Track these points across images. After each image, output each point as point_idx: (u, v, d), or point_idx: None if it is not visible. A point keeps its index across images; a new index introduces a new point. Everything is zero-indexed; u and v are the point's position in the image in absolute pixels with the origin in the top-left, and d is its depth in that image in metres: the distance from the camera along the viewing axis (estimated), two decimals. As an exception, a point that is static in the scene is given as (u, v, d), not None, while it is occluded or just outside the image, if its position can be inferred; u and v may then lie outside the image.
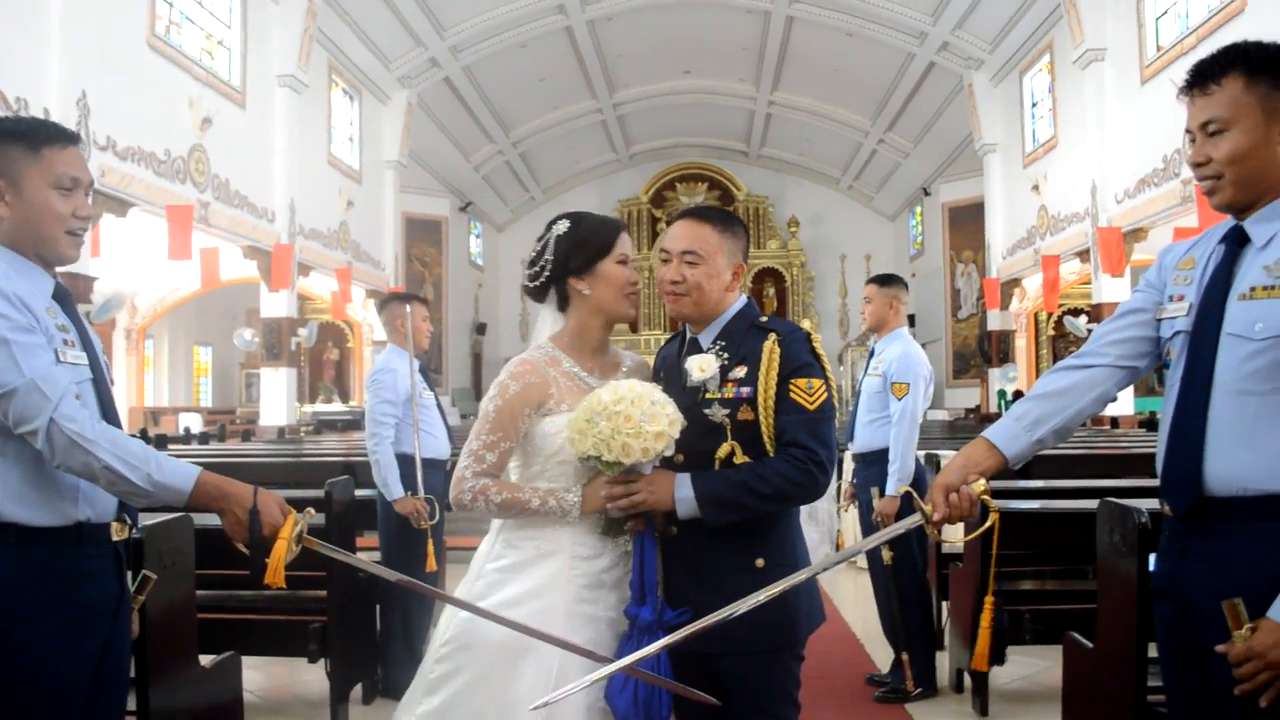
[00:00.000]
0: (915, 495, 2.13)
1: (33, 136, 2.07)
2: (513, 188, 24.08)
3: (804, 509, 2.45)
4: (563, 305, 2.41)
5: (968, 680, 4.57)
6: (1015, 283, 17.14)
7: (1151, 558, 2.22)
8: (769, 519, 2.27)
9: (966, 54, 16.71)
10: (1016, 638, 4.22)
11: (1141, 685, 2.86)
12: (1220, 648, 1.77)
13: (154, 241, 11.32)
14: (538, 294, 2.43)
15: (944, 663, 4.87)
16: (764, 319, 2.35)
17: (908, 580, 4.66)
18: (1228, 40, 1.97)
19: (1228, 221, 1.99)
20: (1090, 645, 3.23)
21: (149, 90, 10.84)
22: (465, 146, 20.82)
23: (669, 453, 2.20)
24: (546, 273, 2.37)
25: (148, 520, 2.73)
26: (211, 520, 2.11)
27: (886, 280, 4.91)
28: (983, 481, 2.02)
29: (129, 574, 2.26)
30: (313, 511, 2.15)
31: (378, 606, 4.80)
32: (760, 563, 2.24)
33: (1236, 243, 1.94)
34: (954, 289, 20.87)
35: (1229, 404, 1.86)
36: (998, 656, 4.11)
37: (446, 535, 5.10)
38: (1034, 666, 4.93)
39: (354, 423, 16.01)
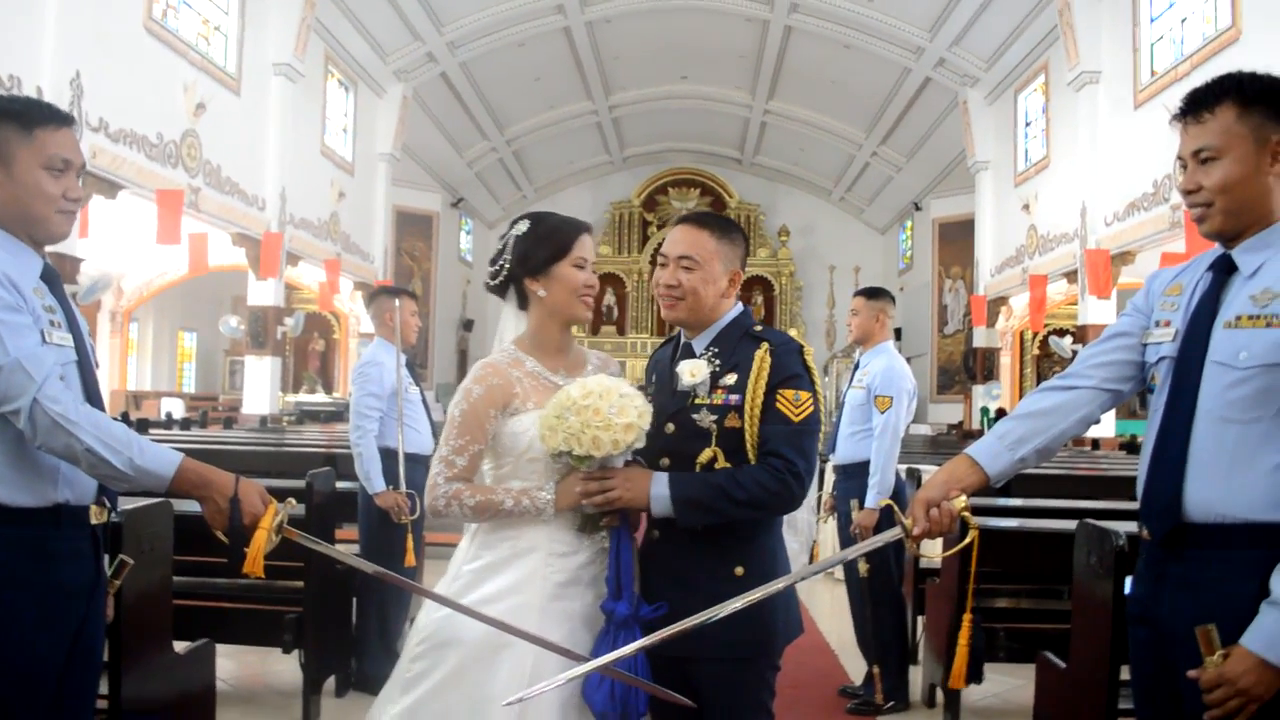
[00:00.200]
0: (896, 509, 2.14)
1: (26, 116, 2.06)
2: (505, 186, 24.06)
3: (784, 519, 2.45)
4: (522, 304, 2.42)
5: (940, 695, 4.59)
6: (1002, 301, 17.20)
7: (1128, 581, 2.23)
8: (750, 528, 2.28)
9: (962, 71, 16.78)
10: (990, 655, 4.23)
11: (1113, 707, 2.87)
12: (1192, 673, 1.78)
13: (143, 225, 11.26)
14: (498, 291, 2.45)
15: (917, 677, 4.88)
16: (758, 328, 2.36)
17: (883, 593, 4.67)
18: (1221, 68, 1.99)
19: (1216, 249, 2.01)
20: (1063, 665, 3.24)
21: (144, 73, 10.79)
22: (459, 142, 20.79)
23: (640, 444, 2.21)
24: (505, 272, 2.40)
25: (127, 504, 2.72)
26: (191, 507, 2.10)
27: (874, 293, 4.93)
28: (964, 498, 2.02)
29: (106, 558, 2.25)
30: (294, 502, 2.14)
31: (355, 600, 4.78)
32: (740, 571, 2.24)
33: (1224, 271, 1.95)
34: (941, 304, 20.95)
35: (1211, 431, 1.87)
36: (975, 675, 4.12)
37: (426, 531, 5.09)
38: (1006, 684, 4.95)
39: (337, 414, 15.95)
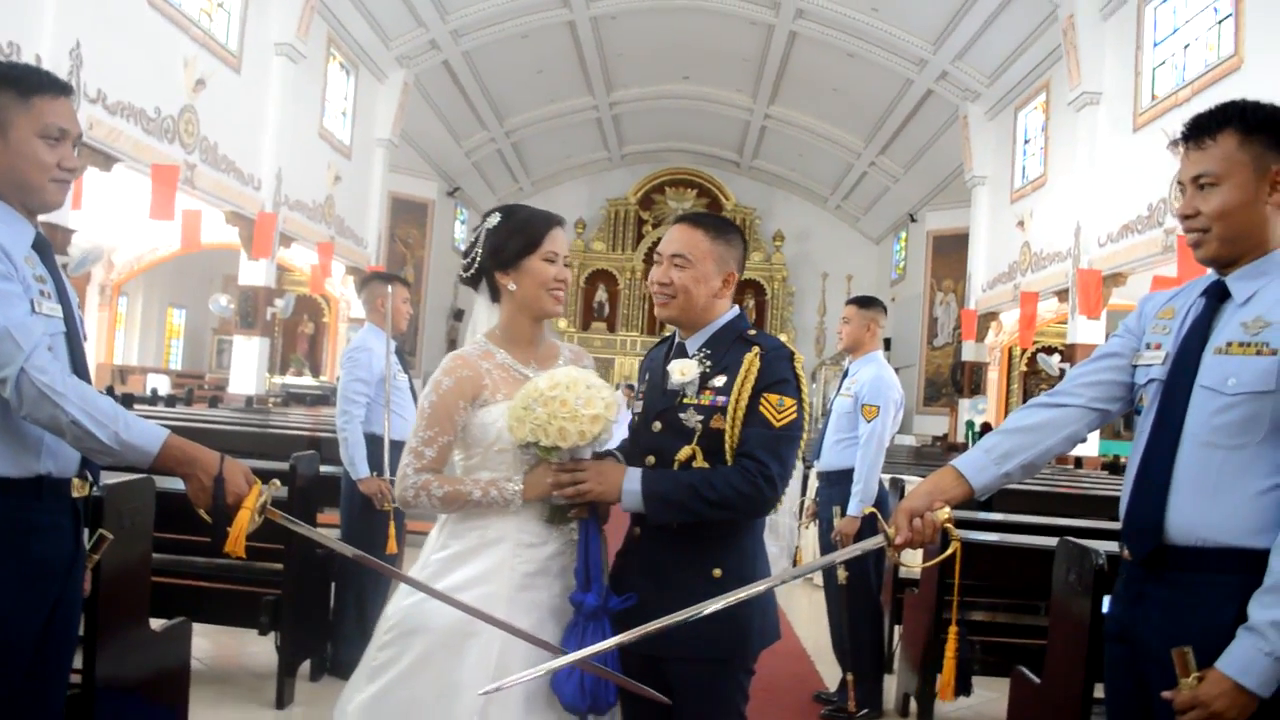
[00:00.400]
0: (880, 517, 2.15)
1: (24, 84, 2.04)
2: (502, 177, 24.03)
3: (766, 524, 2.46)
4: (494, 297, 2.43)
5: (914, 705, 4.60)
6: (992, 316, 17.25)
7: (1106, 600, 2.24)
8: (730, 530, 2.29)
9: (964, 85, 16.82)
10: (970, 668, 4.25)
11: (1085, 724, 2.88)
12: (1166, 694, 1.79)
13: (136, 199, 11.21)
14: (471, 283, 2.46)
15: (891, 686, 4.89)
16: (752, 332, 2.36)
17: (861, 601, 4.68)
18: (1222, 95, 2.00)
19: (1210, 275, 2.02)
20: (1038, 681, 3.25)
21: (144, 46, 10.73)
22: (458, 131, 20.75)
23: (607, 436, 2.23)
24: (476, 264, 2.40)
25: (110, 479, 2.70)
26: (174, 484, 2.09)
27: (866, 302, 4.94)
28: (947, 509, 2.03)
29: (86, 532, 2.24)
30: (278, 483, 2.14)
31: (333, 584, 4.78)
32: (718, 572, 2.25)
33: (1217, 297, 1.97)
34: (932, 317, 20.99)
35: (1196, 455, 1.89)
36: (964, 687, 4.14)
37: (408, 519, 5.08)
38: (980, 697, 4.94)
39: (323, 398, 15.91)
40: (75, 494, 2.13)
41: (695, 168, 24.77)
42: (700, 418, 2.27)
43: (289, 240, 14.69)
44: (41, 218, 2.17)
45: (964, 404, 17.75)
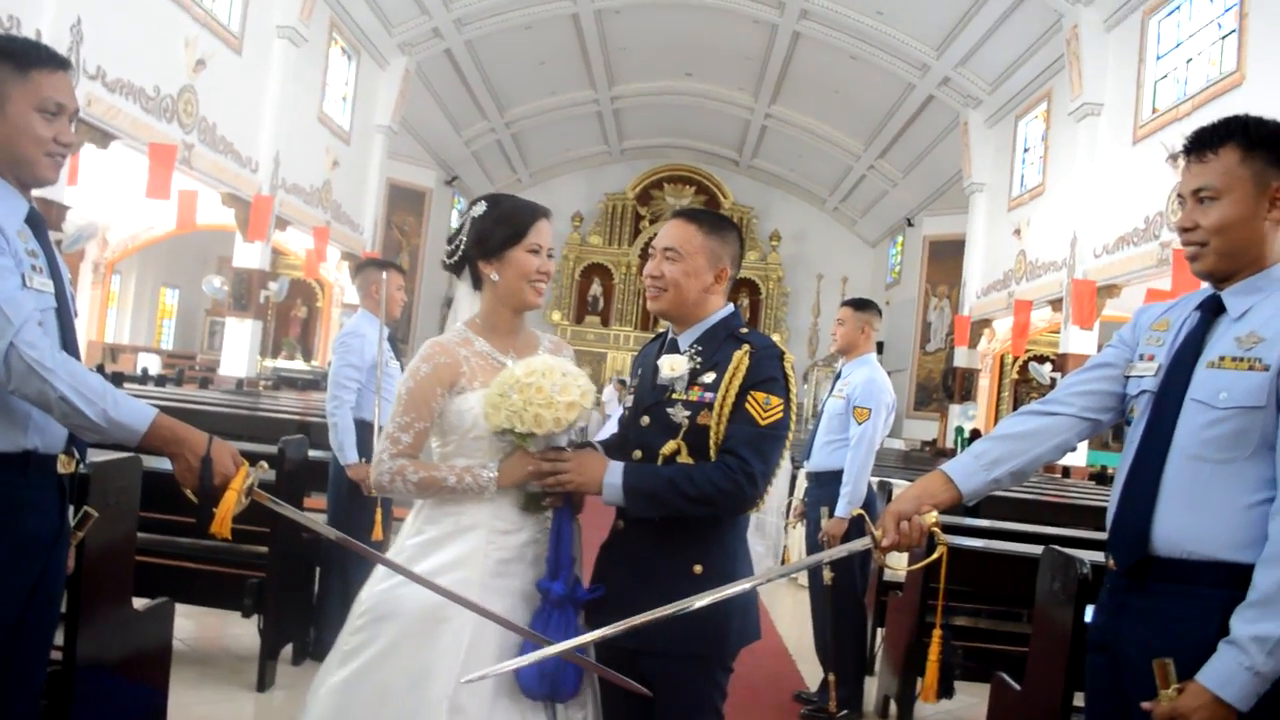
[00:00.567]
0: (868, 519, 2.15)
1: (22, 57, 2.03)
2: (501, 168, 24.00)
3: (752, 522, 2.47)
4: (477, 285, 2.43)
5: (894, 708, 4.61)
6: (986, 323, 17.28)
7: (1089, 609, 2.24)
8: (712, 527, 2.29)
9: (966, 92, 16.84)
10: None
11: (1064, 732, 2.89)
12: (1146, 705, 1.80)
13: (133, 177, 11.17)
14: (454, 270, 2.46)
15: (872, 688, 4.90)
16: (744, 330, 2.36)
17: (845, 602, 4.69)
18: (1223, 111, 2.00)
19: (1207, 289, 2.02)
20: (1018, 688, 3.26)
21: (145, 25, 10.70)
22: (458, 120, 20.71)
23: (583, 424, 2.24)
24: (460, 252, 2.40)
25: (97, 457, 2.69)
26: (161, 463, 2.09)
27: (861, 304, 4.94)
28: (935, 514, 2.03)
29: (71, 509, 2.23)
30: (265, 466, 2.13)
31: (318, 569, 4.77)
32: (699, 569, 2.25)
33: (1212, 311, 1.97)
34: (925, 322, 21.02)
35: (1184, 468, 1.89)
36: (946, 690, 4.15)
37: (395, 506, 5.08)
38: (960, 702, 4.96)
39: (314, 383, 15.89)
40: (62, 470, 2.12)
41: (694, 165, 24.76)
42: (687, 413, 2.28)
43: (285, 224, 14.66)
44: (36, 193, 2.16)
45: (954, 409, 17.79)
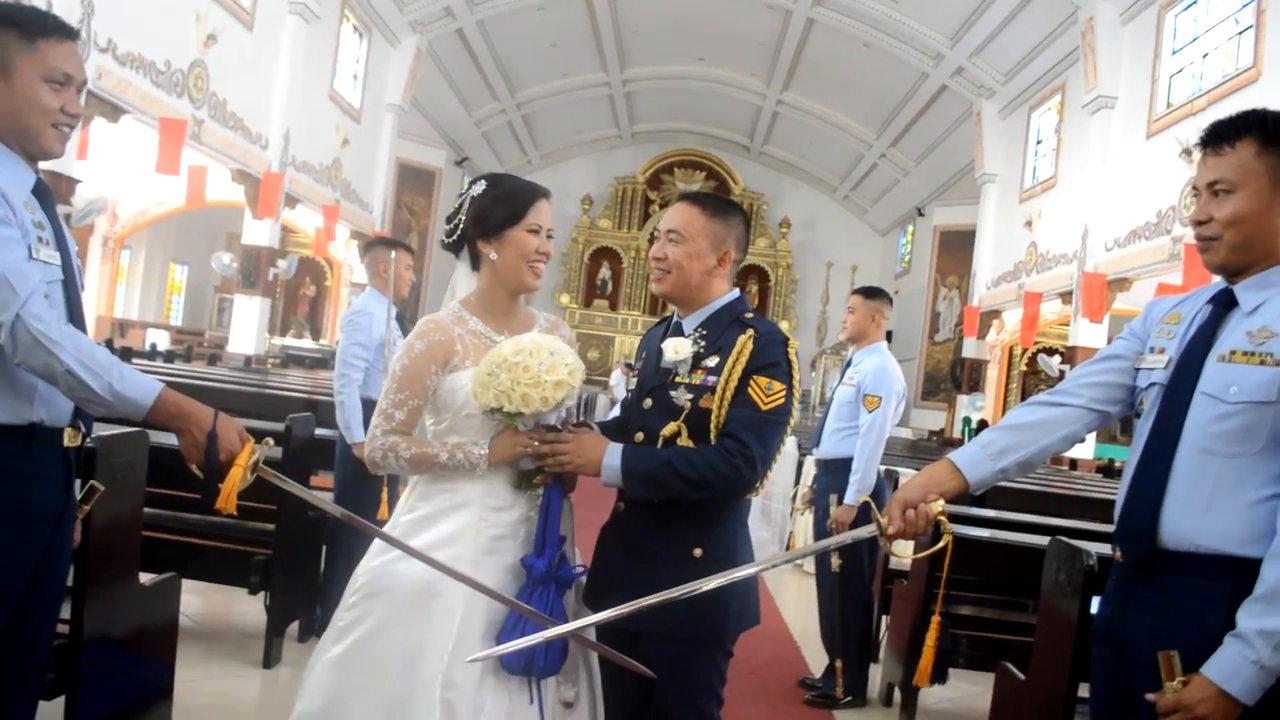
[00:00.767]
0: (874, 507, 2.15)
1: (30, 26, 2.02)
2: (511, 149, 23.95)
3: (757, 508, 2.47)
4: (475, 264, 2.43)
5: (898, 695, 4.62)
6: (995, 314, 17.24)
7: (1095, 600, 2.24)
8: (713, 510, 2.30)
9: (979, 82, 16.75)
10: (951, 660, 4.26)
11: (1067, 723, 2.89)
12: (1150, 696, 1.80)
13: (143, 152, 11.16)
14: (452, 249, 2.46)
15: (876, 675, 4.91)
16: (749, 315, 2.37)
17: (854, 590, 4.70)
18: (1238, 106, 1.99)
19: (1219, 282, 2.01)
20: (1023, 677, 3.26)
21: (158, -2, 10.68)
22: (469, 100, 20.66)
23: (571, 402, 2.24)
24: (459, 231, 2.40)
25: (104, 431, 2.70)
26: (167, 438, 2.08)
27: (872, 293, 4.93)
28: (941, 502, 2.03)
29: (77, 482, 2.23)
30: (271, 442, 2.13)
31: (324, 547, 4.78)
32: (698, 552, 2.26)
33: (1224, 305, 1.96)
34: (934, 312, 20.99)
35: (1192, 461, 1.89)
36: (940, 675, 4.16)
37: (401, 484, 5.08)
38: (964, 691, 4.98)
39: (322, 361, 15.90)
40: (68, 443, 2.12)
41: (705, 150, 24.70)
42: (690, 396, 2.28)
43: (294, 201, 14.64)
44: (47, 166, 2.16)
45: (962, 400, 17.77)
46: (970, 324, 17.57)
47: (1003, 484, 2.20)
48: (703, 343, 2.33)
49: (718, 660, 2.32)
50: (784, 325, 22.91)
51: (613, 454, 2.24)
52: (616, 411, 2.51)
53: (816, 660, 5.18)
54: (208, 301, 22.98)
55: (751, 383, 2.25)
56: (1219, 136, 1.93)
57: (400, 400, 2.29)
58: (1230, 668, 1.73)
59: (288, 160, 13.96)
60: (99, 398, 1.93)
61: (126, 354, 10.45)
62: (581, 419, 2.45)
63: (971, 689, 4.95)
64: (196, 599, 4.97)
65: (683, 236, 2.37)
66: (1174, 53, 12.03)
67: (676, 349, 2.31)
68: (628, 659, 2.13)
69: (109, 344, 11.11)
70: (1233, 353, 1.89)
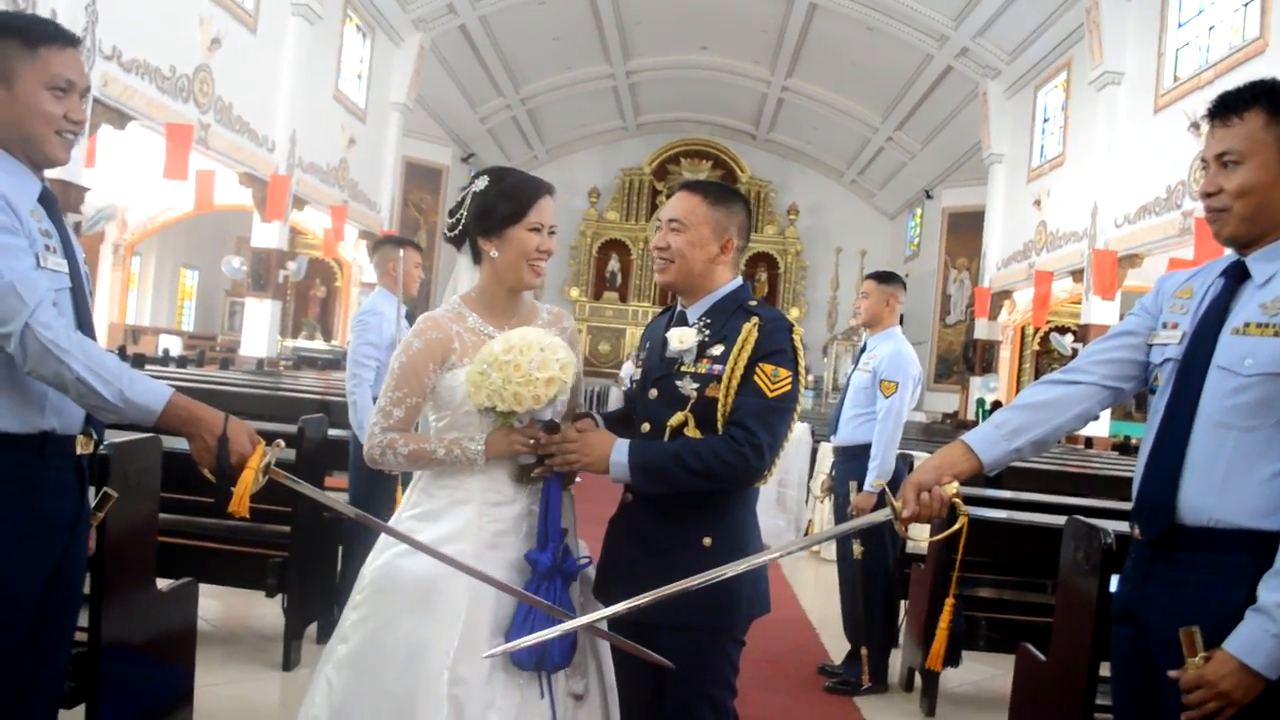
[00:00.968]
0: (887, 491, 2.14)
1: (31, 34, 2.01)
2: (517, 144, 23.93)
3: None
4: (476, 259, 2.42)
5: (918, 680, 4.61)
6: (1006, 294, 17.18)
7: (1114, 579, 2.23)
8: (721, 499, 2.29)
9: (985, 62, 16.66)
10: (971, 644, 4.26)
11: (1090, 703, 2.88)
12: (1173, 673, 1.78)
13: (150, 158, 11.20)
14: (455, 243, 2.45)
15: (896, 661, 4.90)
16: (753, 303, 2.36)
17: (876, 575, 4.68)
18: (1246, 79, 1.97)
19: (1230, 255, 1.99)
20: (1043, 658, 3.25)
21: (160, 4, 10.69)
22: (473, 97, 20.65)
23: (564, 396, 2.24)
24: (460, 227, 2.39)
25: (117, 438, 2.71)
26: (181, 444, 2.09)
27: (886, 278, 4.91)
28: (955, 484, 2.02)
29: (91, 490, 2.24)
30: (282, 444, 2.14)
31: (340, 548, 4.79)
32: (708, 541, 2.26)
33: (1236, 278, 1.94)
34: (945, 294, 20.91)
35: (1209, 436, 1.87)
36: (953, 659, 4.15)
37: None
38: (985, 673, 4.97)
39: (334, 362, 15.94)
40: (80, 451, 2.12)
41: (711, 139, 24.62)
42: (696, 385, 2.28)
43: (302, 203, 14.68)
44: (55, 174, 2.15)
45: (975, 382, 17.72)
46: (981, 305, 17.52)
47: (1018, 464, 2.19)
48: (707, 331, 2.32)
49: (730, 650, 2.32)
50: (794, 312, 22.96)
51: (620, 450, 2.23)
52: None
53: (836, 647, 5.17)
54: (219, 306, 23.06)
55: (758, 370, 2.24)
56: (1226, 108, 1.91)
57: (398, 398, 2.29)
58: (1252, 642, 1.72)
59: (294, 162, 13.98)
60: (109, 405, 1.93)
61: (140, 360, 10.49)
62: (588, 410, 2.45)
63: (992, 671, 4.94)
64: (214, 603, 4.99)
65: (685, 225, 2.36)
66: (1180, 26, 11.95)
67: (681, 338, 2.31)
68: (645, 650, 2.13)
69: (122, 351, 11.17)
70: (1246, 325, 1.87)
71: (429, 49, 17.68)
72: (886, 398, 4.59)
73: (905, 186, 22.88)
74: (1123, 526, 2.38)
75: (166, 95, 10.87)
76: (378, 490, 4.65)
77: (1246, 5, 10.47)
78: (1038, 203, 15.84)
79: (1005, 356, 17.80)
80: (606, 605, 2.19)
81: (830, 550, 6.96)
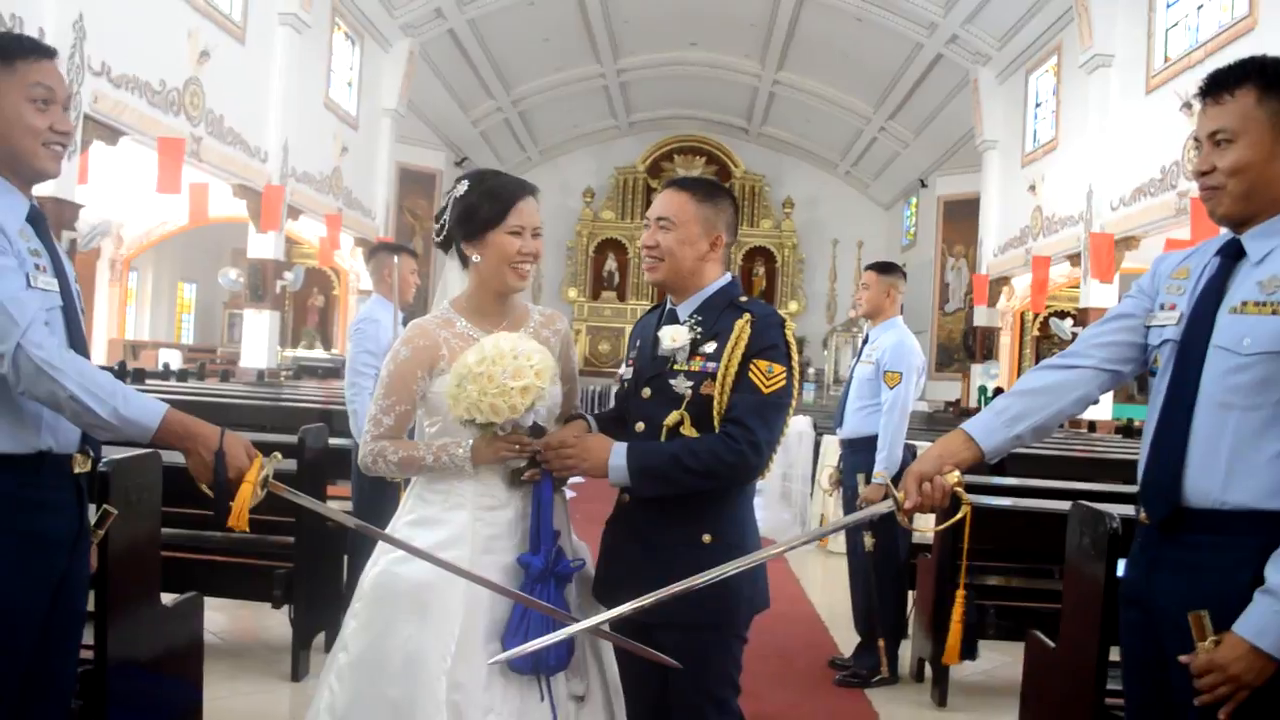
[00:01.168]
0: (889, 483, 2.13)
1: (6, 50, 2.01)
2: (510, 146, 23.91)
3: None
4: (464, 264, 2.42)
5: (929, 670, 4.60)
6: (1004, 281, 17.17)
7: (1121, 563, 2.22)
8: (720, 496, 2.28)
9: (975, 49, 16.64)
10: (980, 632, 4.24)
11: (1101, 688, 2.87)
12: (1183, 658, 1.78)
13: (143, 173, 11.18)
14: (442, 248, 2.45)
15: (906, 651, 4.89)
16: (744, 299, 2.35)
17: (888, 568, 4.67)
18: (1236, 56, 1.95)
19: (1225, 234, 1.98)
20: (1052, 645, 3.24)
21: (148, 18, 10.68)
22: (465, 101, 20.63)
23: (543, 400, 2.23)
24: (445, 233, 2.39)
25: (116, 455, 2.70)
26: (182, 458, 2.08)
27: (886, 268, 4.90)
28: (957, 473, 2.01)
29: (91, 507, 2.23)
30: (279, 456, 2.13)
31: (346, 557, 4.78)
32: (708, 538, 2.25)
33: (1232, 256, 1.93)
34: (943, 282, 20.89)
35: (1211, 416, 1.86)
36: (969, 651, 4.14)
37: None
38: (994, 661, 4.96)
39: (334, 370, 15.94)
40: (77, 470, 2.12)
41: (704, 135, 24.58)
42: (690, 384, 2.27)
43: (297, 213, 14.67)
44: (48, 191, 2.15)
45: (976, 369, 17.71)
46: (980, 292, 17.52)
47: (1022, 450, 2.18)
48: (699, 329, 2.31)
49: (732, 647, 2.32)
50: (793, 305, 22.95)
51: (618, 454, 2.23)
52: None
53: (845, 641, 5.16)
54: (218, 318, 23.04)
55: (752, 367, 2.23)
56: (1218, 86, 1.90)
57: (388, 406, 2.31)
58: (1261, 624, 1.71)
59: (288, 172, 13.97)
60: (104, 422, 1.92)
61: (140, 375, 10.49)
62: (580, 412, 2.44)
63: (1002, 659, 4.93)
64: (221, 616, 4.99)
65: (673, 223, 2.35)
66: (1169, 6, 11.95)
67: (674, 336, 2.30)
68: (649, 650, 2.12)
69: (122, 366, 11.15)
70: (1244, 304, 1.86)
71: (418, 54, 17.67)
72: (891, 389, 4.58)
73: (899, 176, 22.87)
74: (1128, 510, 2.37)
75: (157, 109, 10.86)
76: (381, 498, 4.64)
77: (1235, -17, 10.46)
78: (1032, 188, 15.83)
79: (1005, 343, 17.81)
80: (609, 607, 2.18)
81: (838, 544, 6.95)
